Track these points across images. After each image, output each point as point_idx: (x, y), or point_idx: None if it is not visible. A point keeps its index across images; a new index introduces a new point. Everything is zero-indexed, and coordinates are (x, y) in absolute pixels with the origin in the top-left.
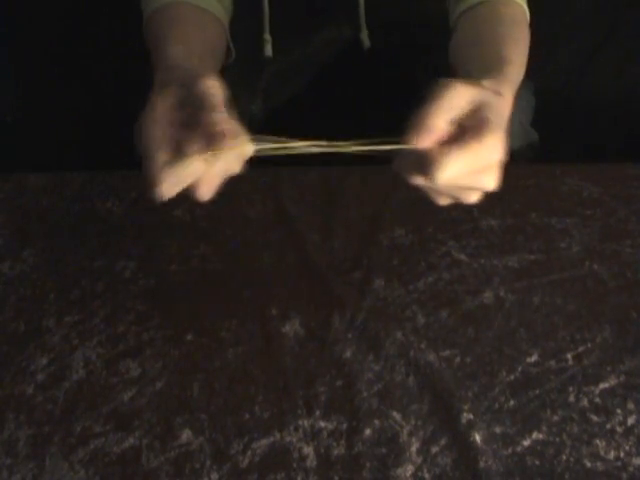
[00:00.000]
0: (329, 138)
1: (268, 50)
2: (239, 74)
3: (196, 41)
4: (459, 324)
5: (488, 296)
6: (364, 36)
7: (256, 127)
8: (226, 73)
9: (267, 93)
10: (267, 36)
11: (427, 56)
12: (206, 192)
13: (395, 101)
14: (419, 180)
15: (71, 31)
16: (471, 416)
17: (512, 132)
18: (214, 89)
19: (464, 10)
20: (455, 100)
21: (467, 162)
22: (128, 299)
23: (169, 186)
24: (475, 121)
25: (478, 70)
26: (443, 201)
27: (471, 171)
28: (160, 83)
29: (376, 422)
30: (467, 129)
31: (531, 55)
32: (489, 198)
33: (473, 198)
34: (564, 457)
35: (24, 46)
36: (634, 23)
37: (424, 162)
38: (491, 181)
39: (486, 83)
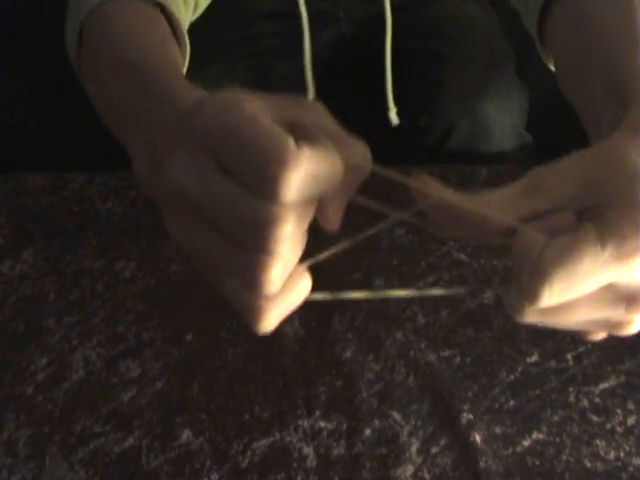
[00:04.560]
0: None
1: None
2: (249, 82)
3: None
4: (459, 324)
5: (488, 296)
6: (392, 114)
7: None
8: (233, 79)
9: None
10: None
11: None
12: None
13: (403, 105)
14: (523, 310)
15: None
16: (471, 416)
17: (504, 134)
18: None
19: (545, 10)
20: (548, 183)
21: (584, 260)
22: (128, 299)
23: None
24: (604, 199)
25: (601, 110)
26: (594, 336)
27: (601, 283)
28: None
29: (376, 422)
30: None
31: (530, 56)
32: None
33: (630, 324)
34: (564, 457)
35: (24, 46)
36: None
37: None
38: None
39: (619, 136)
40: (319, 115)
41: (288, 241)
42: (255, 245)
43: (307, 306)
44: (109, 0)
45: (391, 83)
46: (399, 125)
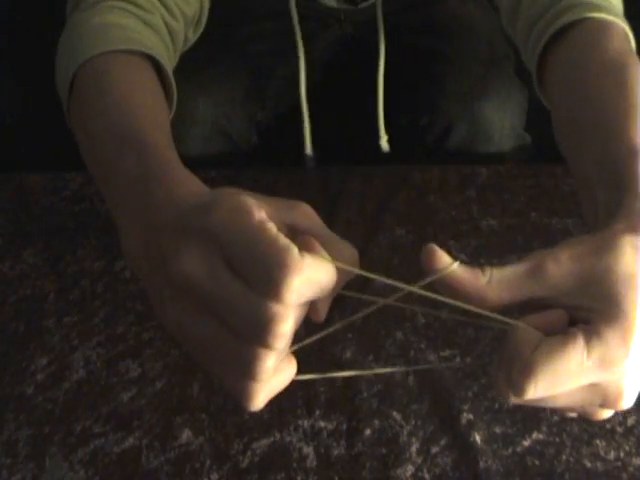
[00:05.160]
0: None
1: (309, 162)
2: (248, 83)
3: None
4: (459, 324)
5: None
6: (384, 142)
7: (264, 134)
8: (235, 82)
9: (275, 100)
10: (309, 151)
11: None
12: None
13: (402, 105)
14: (507, 393)
15: None
16: (471, 416)
17: (503, 134)
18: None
19: (543, 53)
20: (548, 271)
21: (570, 366)
22: (128, 299)
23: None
24: (595, 303)
25: (596, 183)
26: (568, 412)
27: (582, 379)
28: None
29: (376, 422)
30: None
31: None
32: (489, 198)
33: (600, 414)
34: (564, 457)
35: (24, 46)
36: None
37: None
38: (617, 398)
39: (620, 225)
40: (313, 220)
41: (285, 337)
42: (255, 338)
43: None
44: (101, 53)
45: (383, 111)
46: (400, 124)
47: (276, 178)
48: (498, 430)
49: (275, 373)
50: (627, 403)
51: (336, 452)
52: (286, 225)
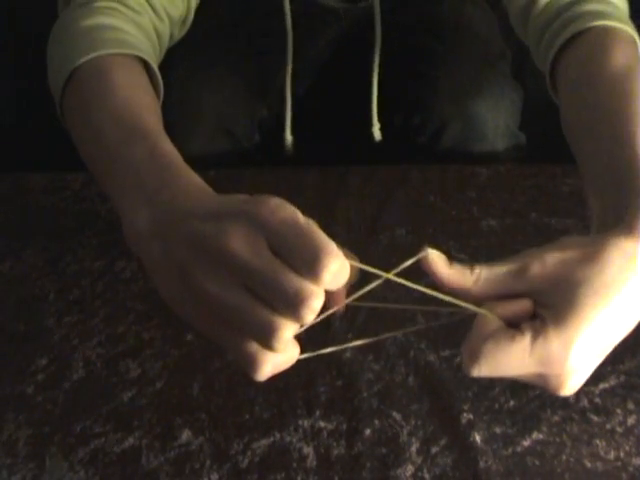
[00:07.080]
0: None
1: (288, 148)
2: (251, 81)
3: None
4: (459, 324)
5: None
6: (376, 130)
7: (266, 132)
8: (239, 80)
9: (280, 97)
10: (289, 136)
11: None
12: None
13: (404, 101)
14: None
15: None
16: (471, 416)
17: (497, 134)
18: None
19: (558, 57)
20: (532, 272)
21: (511, 360)
22: (128, 299)
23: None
24: (558, 302)
25: (603, 187)
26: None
27: (526, 369)
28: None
29: (376, 422)
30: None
31: (530, 57)
32: (489, 198)
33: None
34: (564, 457)
35: (24, 46)
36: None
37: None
38: (557, 387)
39: (614, 239)
40: None
41: (315, 312)
42: (289, 310)
43: None
44: (100, 55)
45: (377, 98)
46: (393, 123)
47: (276, 178)
48: (498, 430)
49: (283, 352)
50: (568, 391)
51: (336, 452)
52: None
